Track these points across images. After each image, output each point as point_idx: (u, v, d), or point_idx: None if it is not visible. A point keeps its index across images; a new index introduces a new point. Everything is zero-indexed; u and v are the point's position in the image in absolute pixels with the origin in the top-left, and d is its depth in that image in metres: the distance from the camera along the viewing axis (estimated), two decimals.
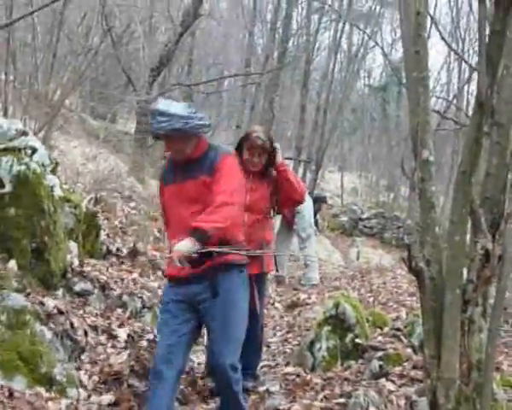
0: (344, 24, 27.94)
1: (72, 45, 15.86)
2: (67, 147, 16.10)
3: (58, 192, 6.57)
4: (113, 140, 18.94)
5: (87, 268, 6.90)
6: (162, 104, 4.41)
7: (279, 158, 5.77)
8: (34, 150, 6.29)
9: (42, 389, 4.96)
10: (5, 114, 10.80)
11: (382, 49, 29.15)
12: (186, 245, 4.17)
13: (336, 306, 6.52)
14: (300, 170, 26.40)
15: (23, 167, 5.98)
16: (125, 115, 30.46)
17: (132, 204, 12.84)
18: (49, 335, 5.35)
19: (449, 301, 4.99)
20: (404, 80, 6.72)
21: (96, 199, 10.20)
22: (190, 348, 4.63)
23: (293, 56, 28.55)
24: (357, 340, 6.40)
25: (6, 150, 6.07)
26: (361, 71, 37.83)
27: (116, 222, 10.14)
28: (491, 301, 5.24)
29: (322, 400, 5.56)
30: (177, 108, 4.39)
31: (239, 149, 5.78)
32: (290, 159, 27.98)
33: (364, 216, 25.41)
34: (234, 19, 32.77)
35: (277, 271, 10.81)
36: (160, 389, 4.34)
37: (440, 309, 5.04)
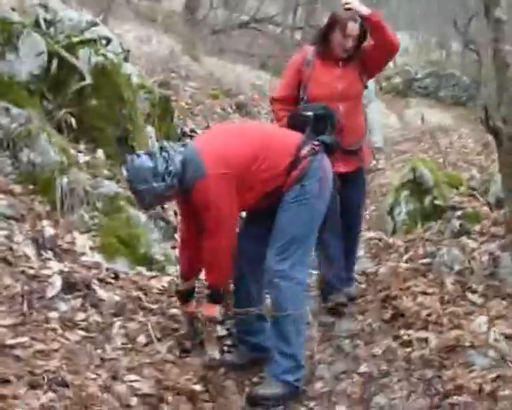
0: None
1: None
2: (121, 31, 16.02)
3: (135, 80, 6.72)
4: (165, 20, 18.78)
5: None
6: (129, 186, 4.25)
7: (363, 8, 4.84)
8: (109, 40, 6.42)
9: (143, 269, 5.26)
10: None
11: None
12: (211, 317, 4.44)
13: (413, 170, 6.64)
14: None
15: (101, 58, 6.12)
16: None
17: (192, 83, 12.88)
18: (143, 218, 5.61)
19: None
20: None
21: (160, 82, 10.28)
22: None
23: None
24: (435, 201, 6.53)
25: (82, 42, 6.20)
26: None
27: (183, 103, 10.26)
28: None
29: (407, 261, 5.76)
30: (137, 184, 4.10)
31: (325, 32, 5.03)
32: None
33: (418, 76, 25.03)
34: None
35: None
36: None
37: None
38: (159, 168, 4.05)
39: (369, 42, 5.04)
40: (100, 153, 5.97)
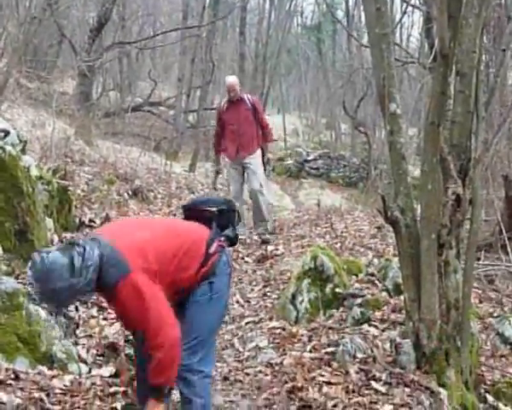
0: None
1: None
2: (12, 115, 15.77)
3: (34, 172, 6.62)
4: (57, 103, 18.51)
5: None
6: (39, 286, 3.80)
7: None
8: (7, 133, 6.32)
9: (44, 368, 5.08)
10: None
11: None
12: None
13: (314, 258, 6.76)
14: None
15: None
16: (59, 74, 29.70)
17: (86, 168, 12.74)
18: (43, 314, 5.43)
19: (425, 247, 5.29)
20: (367, 37, 6.87)
21: (55, 169, 10.12)
22: None
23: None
24: (336, 289, 6.68)
25: None
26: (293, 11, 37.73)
27: (79, 191, 10.13)
28: (465, 242, 5.56)
29: (311, 350, 5.81)
30: (51, 283, 3.74)
31: None
32: None
33: (310, 158, 25.44)
34: None
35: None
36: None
37: (417, 255, 5.34)
38: (75, 264, 3.77)
39: None
40: None
